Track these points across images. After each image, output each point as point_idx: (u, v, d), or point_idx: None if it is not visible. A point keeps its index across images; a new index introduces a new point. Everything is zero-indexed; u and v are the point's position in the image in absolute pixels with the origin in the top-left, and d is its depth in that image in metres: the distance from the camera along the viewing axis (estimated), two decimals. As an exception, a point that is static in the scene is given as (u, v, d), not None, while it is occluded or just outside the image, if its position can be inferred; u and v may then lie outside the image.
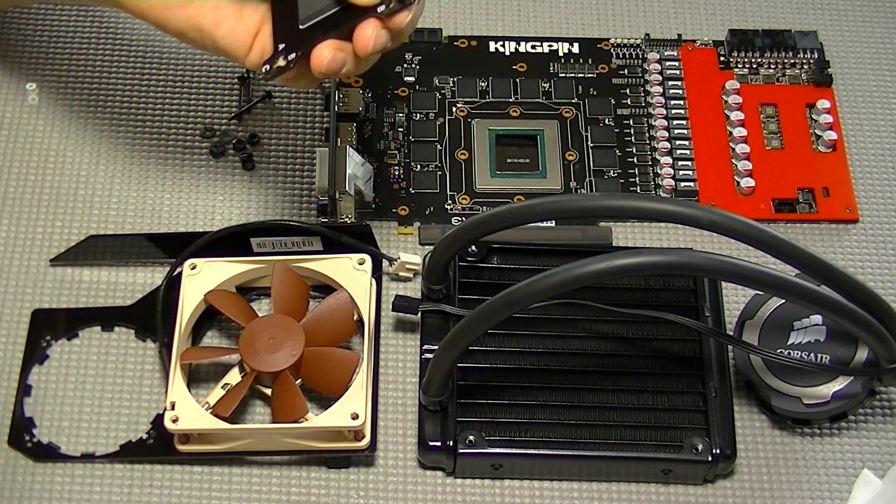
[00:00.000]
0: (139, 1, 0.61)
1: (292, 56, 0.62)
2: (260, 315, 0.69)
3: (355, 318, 0.69)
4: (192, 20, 0.63)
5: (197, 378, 0.69)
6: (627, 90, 0.81)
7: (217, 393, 0.67)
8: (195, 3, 0.62)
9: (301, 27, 0.62)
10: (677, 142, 0.79)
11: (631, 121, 0.80)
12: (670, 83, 0.81)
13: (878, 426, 0.70)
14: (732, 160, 0.78)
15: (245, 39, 0.63)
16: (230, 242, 0.71)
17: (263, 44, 0.63)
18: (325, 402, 0.67)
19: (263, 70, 0.62)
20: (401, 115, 0.79)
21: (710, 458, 0.65)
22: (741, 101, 0.80)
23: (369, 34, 0.61)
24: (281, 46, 0.62)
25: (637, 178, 0.78)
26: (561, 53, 0.83)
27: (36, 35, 0.82)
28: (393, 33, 0.62)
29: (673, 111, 0.80)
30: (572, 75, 0.82)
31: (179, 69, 0.81)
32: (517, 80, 0.81)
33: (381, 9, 0.61)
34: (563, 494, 0.67)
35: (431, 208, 0.76)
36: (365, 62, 0.63)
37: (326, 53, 0.61)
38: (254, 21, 0.64)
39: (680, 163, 0.78)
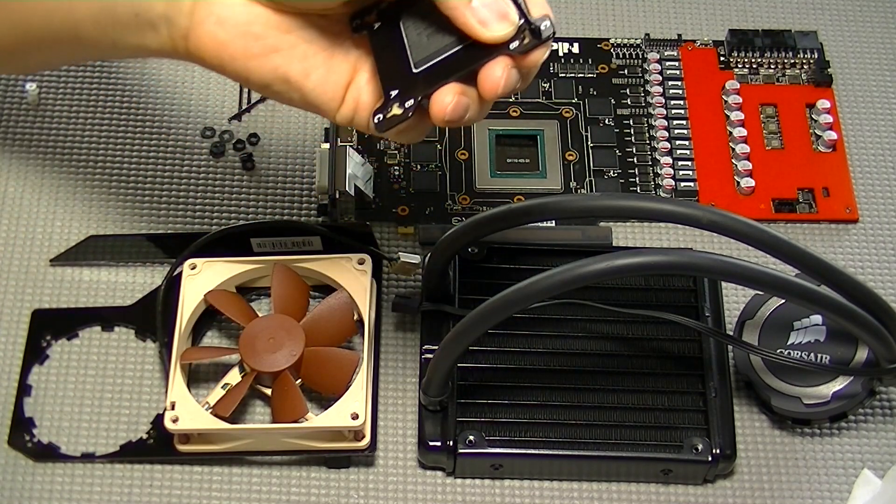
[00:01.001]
0: (219, 53, 0.54)
1: (410, 103, 0.54)
2: (260, 315, 0.69)
3: (355, 318, 0.69)
4: (278, 71, 0.55)
5: (197, 378, 0.69)
6: (627, 90, 0.81)
7: (217, 393, 0.67)
8: (281, 51, 0.54)
9: (415, 71, 0.54)
10: (677, 142, 0.79)
11: (631, 121, 0.80)
12: (670, 83, 0.81)
13: (878, 426, 0.70)
14: (732, 160, 0.78)
15: (337, 92, 0.56)
16: (230, 242, 0.71)
17: (357, 96, 0.56)
18: (325, 402, 0.67)
19: (374, 121, 0.54)
20: (401, 115, 0.79)
21: (710, 458, 0.65)
22: (741, 101, 0.80)
23: (499, 75, 0.52)
24: (393, 93, 0.54)
25: (637, 178, 0.78)
26: (561, 53, 0.83)
27: (36, 35, 0.82)
28: (524, 72, 0.54)
29: (673, 111, 0.80)
30: (572, 75, 0.82)
31: (180, 69, 0.81)
32: (517, 80, 0.81)
33: (513, 45, 0.53)
34: (563, 494, 0.67)
35: (431, 208, 0.76)
36: (489, 106, 0.55)
37: (449, 99, 0.53)
38: (346, 70, 0.56)
39: (680, 163, 0.78)
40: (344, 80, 0.56)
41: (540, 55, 0.53)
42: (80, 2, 0.54)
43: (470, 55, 0.53)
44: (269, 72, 0.55)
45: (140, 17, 0.55)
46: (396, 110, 0.54)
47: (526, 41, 0.53)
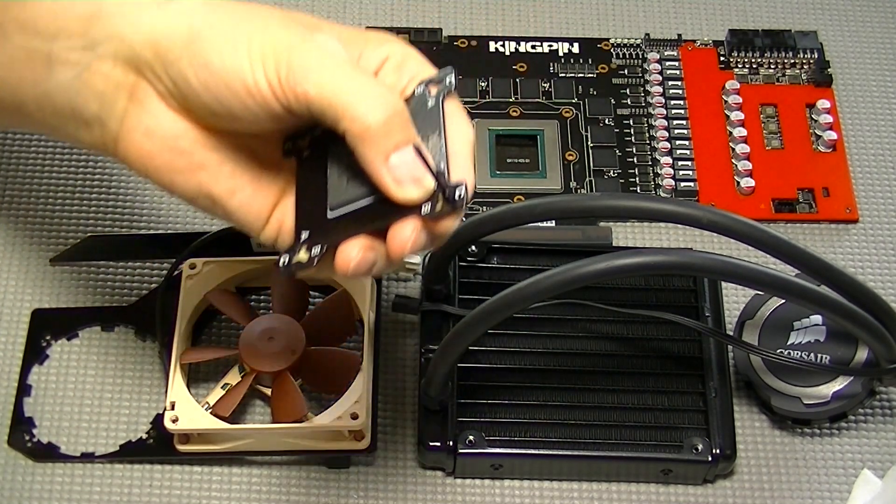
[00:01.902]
0: (145, 163, 0.54)
1: (317, 250, 0.52)
2: (260, 315, 0.69)
3: (355, 318, 0.69)
4: (202, 187, 0.53)
5: (197, 378, 0.69)
6: (627, 90, 0.81)
7: (217, 393, 0.67)
8: (207, 169, 0.53)
9: (329, 215, 0.52)
10: (677, 142, 0.79)
11: (631, 121, 0.80)
12: (670, 83, 0.81)
13: (878, 426, 0.70)
14: (732, 160, 0.78)
15: (262, 212, 0.54)
16: (230, 242, 0.71)
17: (282, 217, 0.54)
18: (325, 402, 0.67)
19: (281, 263, 0.52)
20: (401, 114, 0.79)
21: (709, 458, 0.65)
22: (741, 101, 0.80)
23: (407, 235, 0.50)
24: (304, 235, 0.52)
25: (637, 178, 0.78)
26: (561, 53, 0.83)
27: (36, 35, 0.82)
28: (434, 236, 0.51)
29: (673, 111, 0.80)
30: (572, 75, 0.82)
31: (179, 69, 0.81)
32: (517, 79, 0.81)
33: (425, 209, 0.50)
34: (563, 494, 0.67)
35: (431, 208, 0.76)
36: (399, 262, 0.52)
37: (355, 254, 0.51)
38: (274, 192, 0.54)
39: (680, 163, 0.78)
40: (270, 201, 0.55)
41: (451, 223, 0.51)
42: (25, 84, 0.54)
43: (383, 209, 0.51)
44: (193, 187, 0.54)
45: (76, 113, 0.54)
46: (303, 255, 0.52)
47: (438, 207, 0.50)
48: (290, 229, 0.54)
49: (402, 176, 0.50)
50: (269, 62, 0.50)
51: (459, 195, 0.50)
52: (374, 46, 0.53)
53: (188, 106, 0.52)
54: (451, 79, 0.52)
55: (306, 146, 0.54)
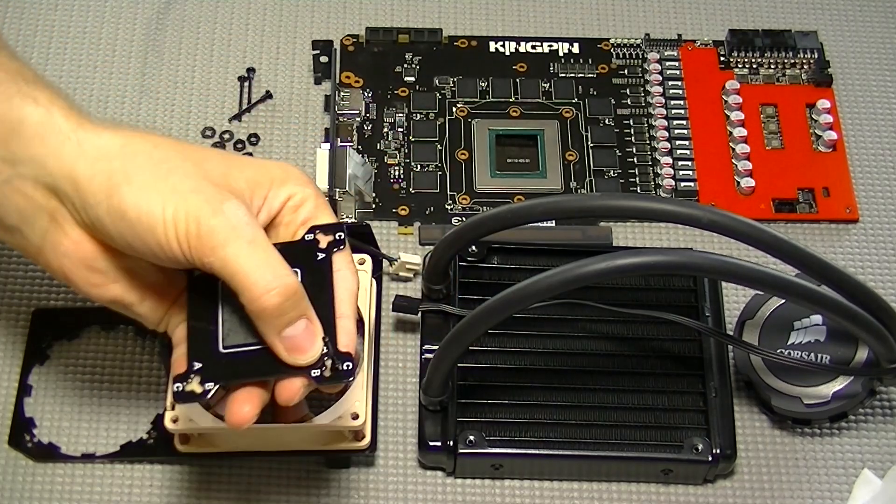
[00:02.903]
0: (64, 277, 0.58)
1: (209, 386, 0.56)
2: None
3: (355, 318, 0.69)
4: (115, 297, 0.59)
5: (197, 378, 0.69)
6: (627, 90, 0.81)
7: (217, 393, 0.67)
8: (119, 283, 0.58)
9: (222, 350, 0.56)
10: (677, 142, 0.79)
11: (631, 121, 0.80)
12: (670, 83, 0.81)
13: (878, 426, 0.70)
14: (732, 160, 0.78)
15: (161, 313, 0.60)
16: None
17: (170, 317, 0.60)
18: (325, 402, 0.67)
19: (174, 389, 0.56)
20: (401, 115, 0.79)
21: (710, 458, 0.65)
22: (741, 101, 0.80)
23: (296, 389, 0.56)
24: (196, 366, 0.56)
25: (637, 178, 0.78)
26: (561, 53, 0.83)
27: (35, 35, 0.82)
28: (320, 393, 0.59)
29: (673, 111, 0.80)
30: (572, 75, 0.82)
31: (179, 69, 0.81)
32: (517, 80, 0.81)
33: (314, 373, 0.56)
34: (563, 494, 0.67)
35: (431, 208, 0.76)
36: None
37: (246, 411, 0.56)
38: (172, 296, 0.60)
39: (680, 163, 0.78)
40: (168, 304, 0.60)
41: (334, 389, 0.59)
42: None
43: (274, 361, 0.56)
44: (107, 298, 0.59)
45: None
46: (196, 387, 0.56)
47: (327, 374, 0.56)
48: (174, 327, 0.59)
49: (293, 346, 0.56)
50: (181, 228, 0.54)
51: (346, 367, 0.56)
52: (277, 186, 0.58)
53: (103, 239, 0.57)
54: (342, 235, 0.58)
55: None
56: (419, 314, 0.70)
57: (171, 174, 0.56)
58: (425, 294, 0.70)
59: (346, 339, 0.57)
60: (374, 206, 0.76)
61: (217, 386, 0.56)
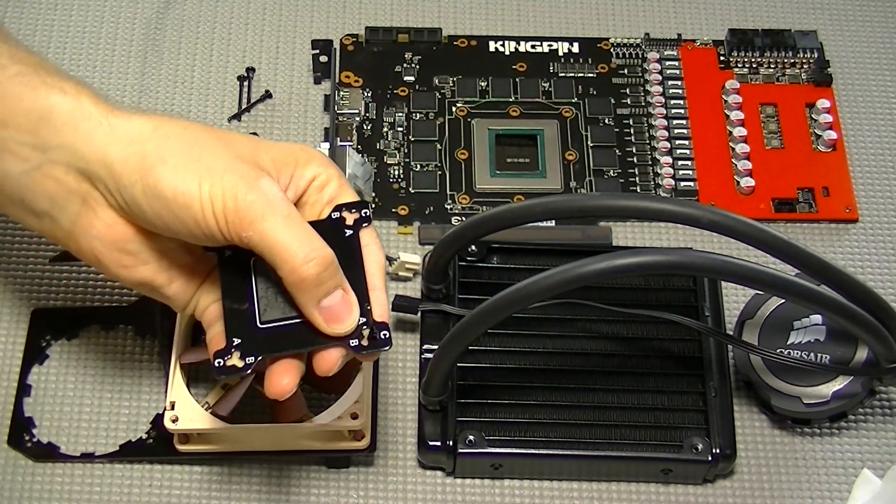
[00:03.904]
0: (95, 260, 0.59)
1: (250, 360, 0.57)
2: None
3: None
4: (145, 279, 0.60)
5: (196, 378, 0.69)
6: (627, 90, 0.81)
7: (217, 393, 0.67)
8: (150, 264, 0.59)
9: (260, 326, 0.58)
10: (677, 141, 0.79)
11: (631, 120, 0.80)
12: (670, 83, 0.81)
13: (877, 426, 0.70)
14: (732, 160, 0.78)
15: (189, 296, 0.61)
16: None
17: (199, 299, 0.61)
18: (324, 401, 0.67)
19: (215, 364, 0.57)
20: (401, 114, 0.79)
21: (709, 458, 0.65)
22: (741, 100, 0.80)
23: (334, 360, 0.58)
24: (236, 342, 0.57)
25: (637, 178, 0.78)
26: (561, 53, 0.83)
27: (35, 35, 0.82)
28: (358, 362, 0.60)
29: (673, 111, 0.80)
30: (572, 75, 0.82)
31: (179, 68, 0.81)
32: (517, 79, 0.81)
33: (353, 342, 0.57)
34: (562, 494, 0.67)
35: (431, 208, 0.76)
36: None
37: (286, 382, 0.57)
38: (199, 279, 0.61)
39: (680, 162, 0.78)
40: (195, 286, 0.61)
41: (373, 357, 0.60)
42: None
43: (312, 333, 0.57)
44: (136, 280, 0.60)
45: (25, 203, 0.59)
46: (237, 362, 0.57)
47: (364, 343, 0.57)
48: (203, 308, 0.61)
49: (332, 316, 0.57)
50: (218, 205, 0.56)
51: (384, 336, 0.58)
52: (302, 167, 0.59)
53: (136, 220, 0.58)
54: (366, 212, 0.60)
55: (227, 246, 0.58)
56: (419, 314, 0.70)
57: (204, 154, 0.57)
58: (425, 294, 0.70)
59: (381, 310, 0.58)
60: (373, 205, 0.76)
61: (258, 358, 0.57)
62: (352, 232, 0.59)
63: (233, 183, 0.56)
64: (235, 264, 0.59)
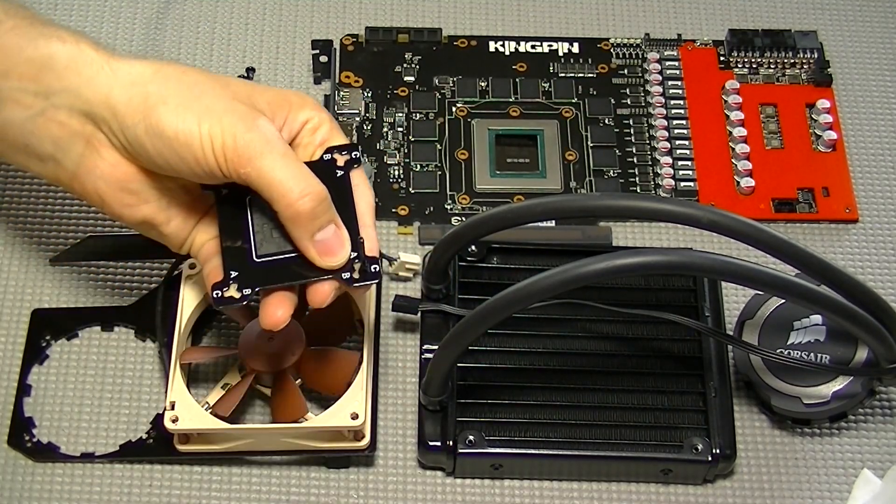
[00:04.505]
0: (98, 200, 0.62)
1: (247, 292, 0.60)
2: (260, 315, 0.69)
3: (355, 318, 0.69)
4: (146, 218, 0.62)
5: (196, 378, 0.69)
6: (627, 90, 0.81)
7: (217, 393, 0.67)
8: (150, 203, 0.62)
9: (256, 260, 0.61)
10: (677, 141, 0.79)
11: (631, 121, 0.80)
12: (670, 83, 0.81)
13: (877, 426, 0.70)
14: (732, 160, 0.78)
15: (186, 233, 0.63)
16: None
17: (195, 236, 0.63)
18: (324, 402, 0.67)
19: (213, 295, 0.60)
20: (400, 114, 0.79)
21: (709, 458, 0.65)
22: (741, 100, 0.80)
23: (327, 292, 0.60)
24: (233, 274, 0.60)
25: (637, 178, 0.78)
26: (561, 53, 0.82)
27: (36, 35, 0.82)
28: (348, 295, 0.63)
29: (673, 111, 0.80)
30: (572, 75, 0.82)
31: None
32: (517, 79, 0.81)
33: (345, 275, 0.60)
34: (563, 494, 0.67)
35: (431, 208, 0.76)
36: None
37: (280, 314, 0.60)
38: (197, 216, 0.63)
39: (680, 163, 0.78)
40: (193, 224, 0.63)
41: (363, 290, 0.62)
42: None
43: (306, 266, 0.60)
44: (138, 218, 0.62)
45: (29, 148, 0.61)
46: (234, 293, 0.60)
47: (356, 276, 0.60)
48: (200, 245, 0.63)
49: (326, 249, 0.60)
50: (217, 143, 0.58)
51: (374, 269, 0.61)
52: (296, 111, 0.62)
53: (139, 159, 0.60)
54: (357, 154, 0.62)
55: (224, 184, 0.61)
56: (419, 314, 0.70)
57: (204, 95, 0.59)
58: (425, 294, 0.70)
59: (371, 245, 0.61)
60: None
61: (254, 290, 0.60)
62: (343, 172, 0.62)
63: (231, 122, 0.58)
64: (232, 202, 0.62)
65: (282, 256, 0.60)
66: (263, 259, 0.60)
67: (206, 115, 0.58)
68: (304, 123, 0.62)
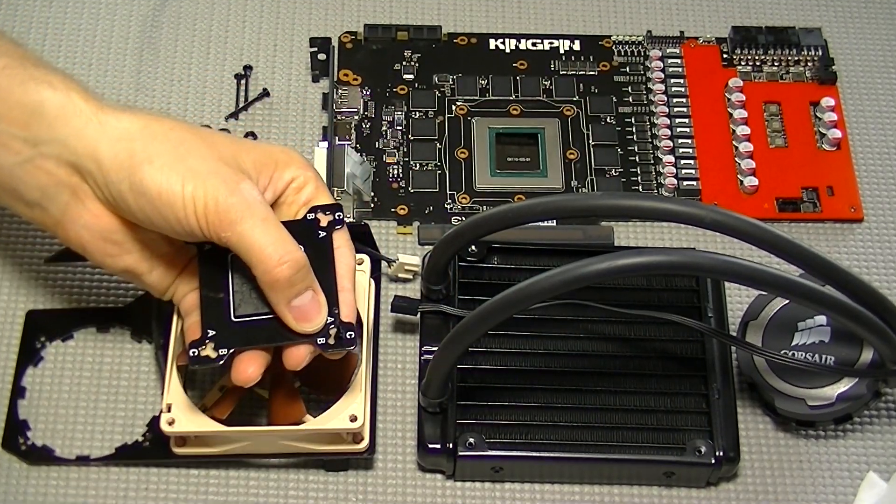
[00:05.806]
0: (81, 248, 0.63)
1: (224, 352, 0.60)
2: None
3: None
4: (128, 268, 0.63)
5: (193, 380, 0.69)
6: (629, 88, 0.81)
7: (214, 395, 0.67)
8: (133, 254, 0.63)
9: (234, 319, 0.61)
10: (680, 140, 0.78)
11: (633, 119, 0.79)
12: (672, 81, 0.81)
13: (883, 428, 0.69)
14: (735, 159, 0.78)
15: (168, 283, 0.64)
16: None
17: (177, 286, 0.64)
18: (323, 404, 0.67)
19: (190, 354, 0.61)
20: (400, 113, 0.79)
21: (713, 461, 0.65)
22: (744, 98, 0.79)
23: (302, 355, 0.61)
24: (211, 333, 0.61)
25: (639, 177, 0.77)
26: (562, 51, 0.82)
27: (30, 32, 0.82)
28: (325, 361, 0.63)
29: (675, 109, 0.80)
30: (573, 73, 0.81)
31: (175, 66, 0.81)
32: (517, 77, 0.81)
33: (320, 340, 0.61)
34: (564, 497, 0.67)
35: (431, 208, 0.76)
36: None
37: (251, 371, 0.61)
38: (178, 268, 0.64)
39: (682, 161, 0.78)
40: (175, 275, 0.64)
41: (338, 355, 0.62)
42: None
43: (283, 329, 0.61)
44: (119, 268, 0.63)
45: (17, 193, 0.62)
46: (211, 352, 0.60)
47: (331, 342, 0.61)
48: (182, 296, 0.64)
49: (301, 315, 0.60)
50: (200, 205, 0.59)
51: (349, 336, 0.61)
52: (281, 169, 0.63)
53: (122, 213, 0.61)
54: (340, 215, 0.63)
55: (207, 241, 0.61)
56: (418, 315, 0.70)
57: (189, 155, 0.60)
58: (424, 295, 0.70)
59: (348, 310, 0.62)
60: (372, 205, 0.75)
61: (230, 351, 0.60)
62: (325, 233, 0.62)
63: (214, 186, 0.59)
64: (214, 258, 0.62)
65: (259, 318, 0.61)
66: (241, 319, 0.61)
67: (191, 176, 0.59)
68: (290, 182, 0.63)
